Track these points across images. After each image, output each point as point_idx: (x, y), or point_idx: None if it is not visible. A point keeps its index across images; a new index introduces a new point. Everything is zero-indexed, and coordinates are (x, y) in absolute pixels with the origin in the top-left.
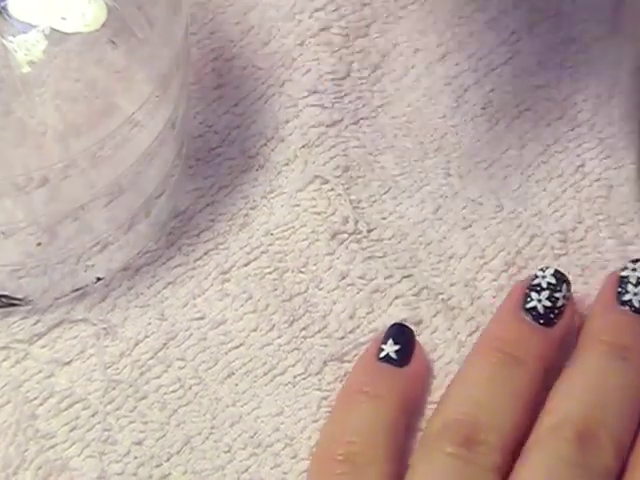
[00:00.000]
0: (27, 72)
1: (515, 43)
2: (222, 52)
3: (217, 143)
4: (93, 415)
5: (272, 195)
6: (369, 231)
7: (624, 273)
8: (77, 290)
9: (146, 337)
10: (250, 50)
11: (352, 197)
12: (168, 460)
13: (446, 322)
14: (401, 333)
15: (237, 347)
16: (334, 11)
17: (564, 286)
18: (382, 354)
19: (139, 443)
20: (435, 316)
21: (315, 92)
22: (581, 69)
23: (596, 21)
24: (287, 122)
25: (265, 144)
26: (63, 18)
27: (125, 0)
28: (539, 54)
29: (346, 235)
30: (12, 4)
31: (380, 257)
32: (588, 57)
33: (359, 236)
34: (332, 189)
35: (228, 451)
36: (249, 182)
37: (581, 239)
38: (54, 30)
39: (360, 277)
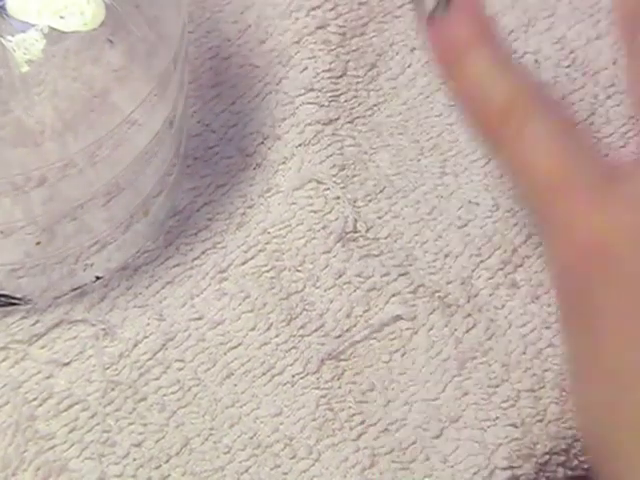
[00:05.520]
0: (26, 71)
1: (512, 43)
2: (219, 51)
3: (214, 142)
4: (92, 416)
5: (269, 194)
6: (366, 230)
7: None
8: (76, 289)
9: (145, 338)
10: (247, 48)
11: (348, 196)
12: (167, 462)
13: (443, 319)
14: None
15: (235, 347)
16: (331, 10)
17: None
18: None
19: (138, 445)
20: (432, 313)
21: (312, 90)
22: (577, 69)
23: (592, 21)
24: (284, 120)
25: (262, 142)
26: (61, 17)
27: None
28: (535, 54)
29: (343, 233)
30: (10, 3)
31: (376, 255)
32: (584, 57)
33: (356, 234)
34: (328, 188)
35: (228, 452)
36: (246, 181)
37: None
38: (52, 29)
39: (357, 275)
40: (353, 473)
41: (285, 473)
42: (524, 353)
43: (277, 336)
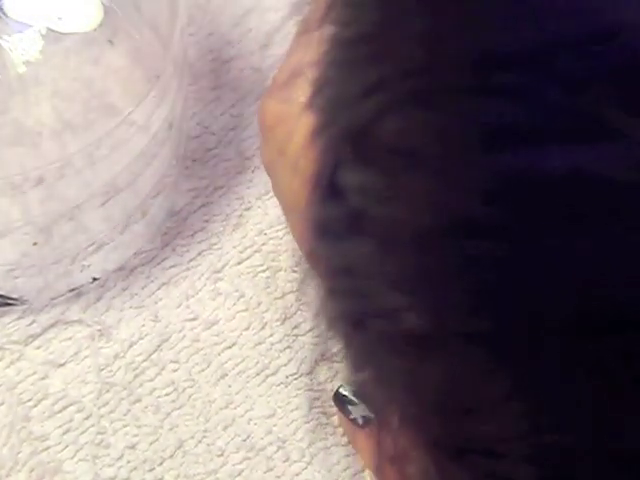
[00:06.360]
0: (23, 71)
1: None
2: (220, 53)
3: (214, 144)
4: (87, 418)
5: (267, 197)
6: None
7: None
8: (73, 290)
9: (140, 339)
10: (248, 52)
11: None
12: (161, 464)
13: None
14: None
15: (230, 347)
16: None
17: None
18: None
19: (132, 447)
20: None
21: None
22: None
23: None
24: None
25: None
26: (59, 18)
27: (122, 1)
28: None
29: None
30: (8, 3)
31: None
32: None
33: None
34: None
35: (221, 455)
36: (244, 183)
37: None
38: (50, 30)
39: None
40: (344, 477)
41: (278, 477)
42: None
43: (271, 335)
